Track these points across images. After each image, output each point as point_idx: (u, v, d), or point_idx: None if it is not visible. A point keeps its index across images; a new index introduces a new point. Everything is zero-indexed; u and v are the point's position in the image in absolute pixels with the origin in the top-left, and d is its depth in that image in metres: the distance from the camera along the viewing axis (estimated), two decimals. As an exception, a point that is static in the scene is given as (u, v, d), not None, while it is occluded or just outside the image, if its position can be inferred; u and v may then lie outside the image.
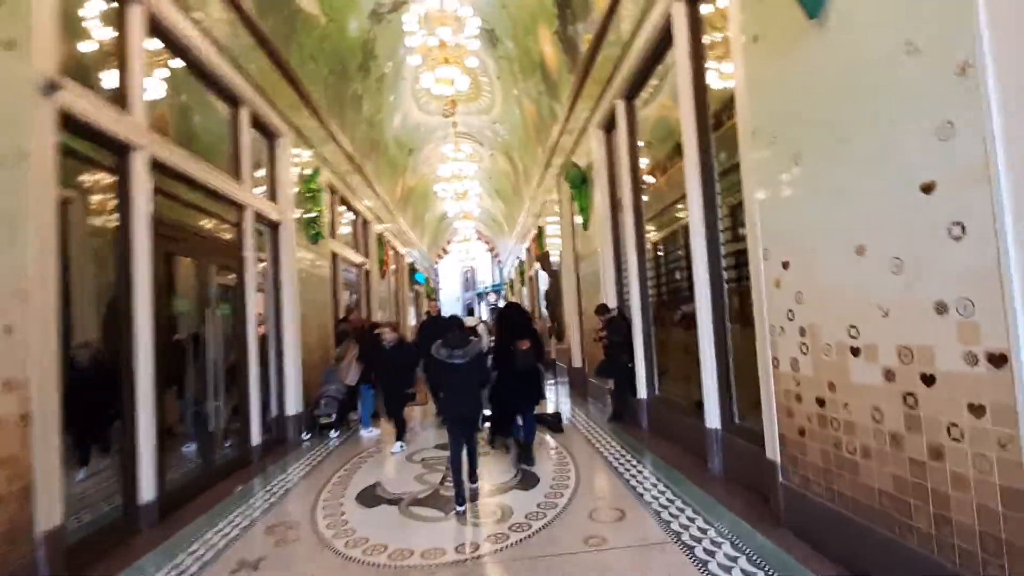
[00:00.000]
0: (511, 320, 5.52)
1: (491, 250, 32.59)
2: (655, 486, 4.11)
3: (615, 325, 6.53)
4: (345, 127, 9.66)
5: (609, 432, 6.08)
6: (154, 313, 4.05)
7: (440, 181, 13.58)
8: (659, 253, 6.03)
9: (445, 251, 30.29)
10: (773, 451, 3.29)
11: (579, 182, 8.01)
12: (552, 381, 10.70)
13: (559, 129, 8.92)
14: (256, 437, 5.76)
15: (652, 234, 6.07)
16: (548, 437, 6.05)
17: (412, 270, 18.58)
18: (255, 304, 5.89)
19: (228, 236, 5.71)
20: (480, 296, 35.29)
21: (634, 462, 4.80)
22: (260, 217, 6.37)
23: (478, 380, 4.36)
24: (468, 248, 22.89)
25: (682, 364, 5.47)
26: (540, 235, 13.45)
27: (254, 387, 5.76)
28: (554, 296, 10.57)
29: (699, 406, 4.83)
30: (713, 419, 4.33)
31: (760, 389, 3.42)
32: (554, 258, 11.01)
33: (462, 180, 13.21)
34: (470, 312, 24.74)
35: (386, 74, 11.11)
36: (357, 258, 11.10)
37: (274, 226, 6.81)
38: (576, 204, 8.22)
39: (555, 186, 10.48)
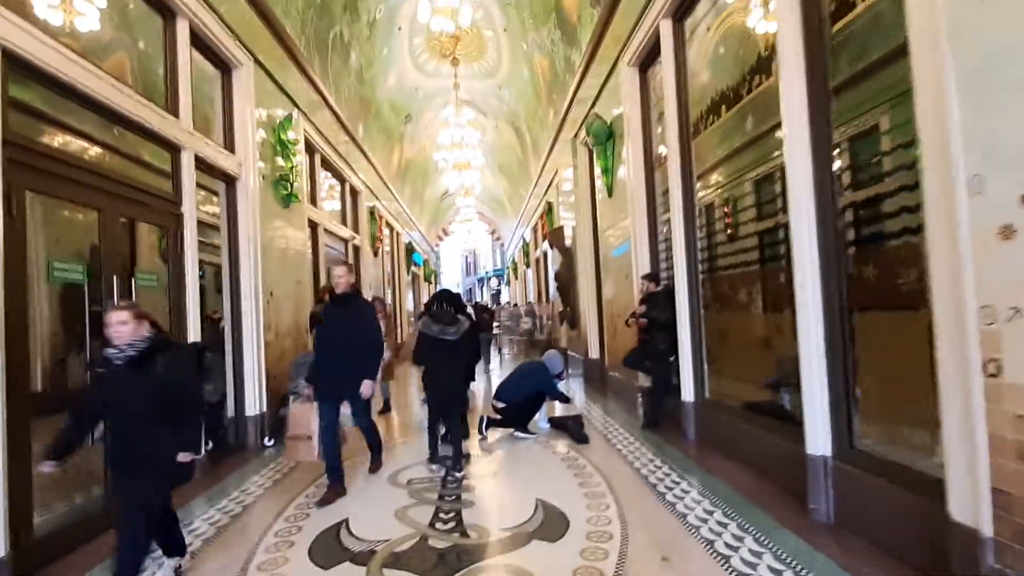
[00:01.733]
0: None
1: (492, 233, 31.24)
2: (739, 539, 2.83)
3: (658, 301, 5.22)
4: (329, 75, 8.26)
5: (646, 443, 4.81)
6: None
7: (440, 149, 12.16)
8: (716, 214, 4.69)
9: (446, 232, 28.93)
10: (973, 512, 2.00)
11: (604, 137, 6.66)
12: (563, 375, 9.43)
13: (578, 77, 7.53)
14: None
15: (708, 192, 4.73)
16: (570, 450, 4.78)
17: (410, 250, 17.23)
18: (196, 275, 4.58)
19: (153, 184, 4.39)
20: (481, 281, 34.01)
21: (694, 494, 3.52)
22: (208, 167, 5.04)
23: (466, 357, 4.59)
24: (469, 229, 21.51)
25: (751, 358, 4.17)
26: (550, 211, 12.10)
27: (195, 383, 4.46)
28: (567, 277, 9.27)
29: (785, 418, 3.54)
30: (819, 441, 3.04)
31: (941, 408, 2.13)
32: (567, 235, 9.68)
33: (463, 148, 11.79)
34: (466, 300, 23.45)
35: (378, 20, 9.66)
36: (344, 232, 9.77)
37: (229, 180, 5.48)
38: (599, 165, 6.87)
39: (570, 150, 9.11)
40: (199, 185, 5.08)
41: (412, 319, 17.37)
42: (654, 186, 5.87)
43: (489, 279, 34.39)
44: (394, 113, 12.97)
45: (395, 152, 14.32)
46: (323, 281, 8.02)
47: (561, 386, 5.71)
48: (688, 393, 4.88)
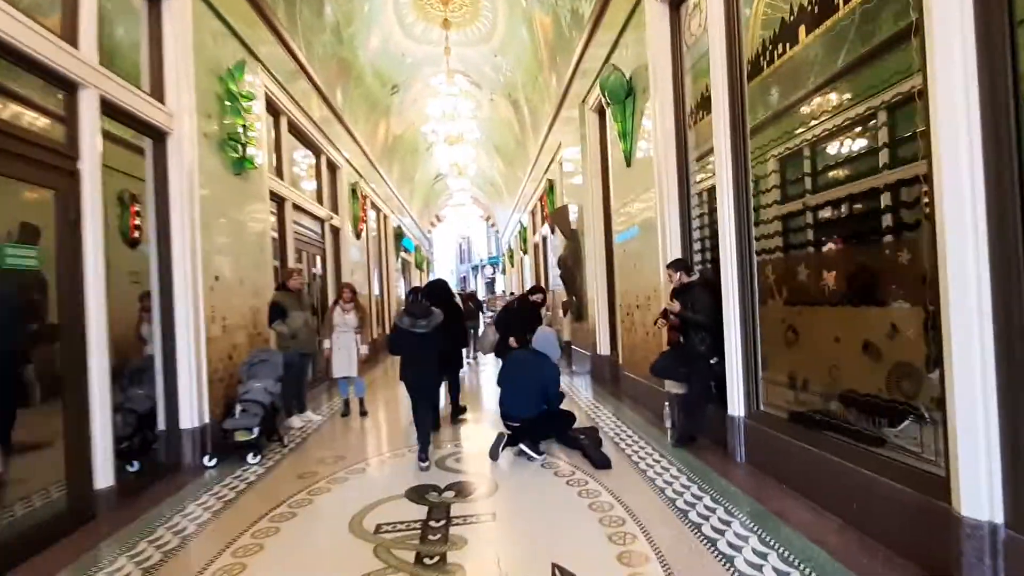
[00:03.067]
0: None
1: (487, 219, 30.10)
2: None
3: (694, 295, 4.18)
4: (297, 26, 7.10)
5: (683, 469, 3.79)
6: None
7: (429, 120, 11.00)
8: (778, 178, 3.63)
9: (438, 219, 27.76)
10: None
11: (622, 94, 5.56)
12: (566, 372, 8.44)
13: (589, 28, 6.42)
14: (103, 475, 3.43)
15: (767, 148, 3.66)
16: (588, 478, 3.76)
17: (399, 236, 16.10)
18: (99, 250, 3.47)
19: (38, 130, 3.28)
20: (475, 268, 32.94)
21: (774, 559, 2.51)
22: (126, 117, 3.93)
23: (437, 349, 4.44)
24: (463, 214, 20.34)
25: (839, 366, 3.15)
26: (551, 190, 11.00)
27: (97, 391, 3.39)
28: (572, 263, 8.21)
29: (893, 446, 2.53)
30: (978, 500, 2.02)
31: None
32: (572, 215, 8.60)
33: (455, 120, 10.64)
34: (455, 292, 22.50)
35: (357, -33, 8.51)
36: (319, 210, 8.64)
37: (157, 136, 4.36)
38: (616, 127, 5.78)
39: (577, 118, 8.00)
40: (113, 139, 3.98)
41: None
42: (686, 151, 4.81)
43: (483, 267, 33.33)
44: (379, 81, 11.77)
45: (381, 126, 13.13)
46: (292, 264, 6.92)
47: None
48: (737, 405, 3.86)
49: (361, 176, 11.09)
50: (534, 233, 15.06)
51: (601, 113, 7.49)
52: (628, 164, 5.81)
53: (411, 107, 14.01)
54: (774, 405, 3.71)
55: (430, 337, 4.33)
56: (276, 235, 6.78)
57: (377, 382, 8.59)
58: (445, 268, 35.97)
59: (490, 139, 17.47)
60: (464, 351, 8.58)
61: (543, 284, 14.21)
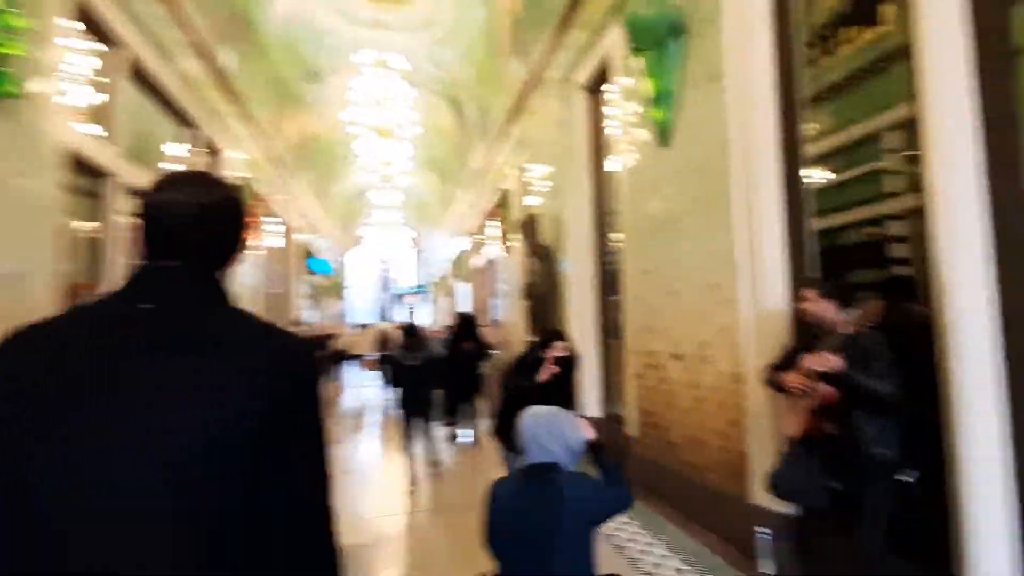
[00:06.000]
0: None
1: (415, 242, 27.62)
2: None
3: (865, 347, 2.20)
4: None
5: None
6: None
7: (349, 106, 8.68)
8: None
9: (358, 241, 24.87)
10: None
11: (662, 30, 3.66)
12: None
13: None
14: None
15: None
16: None
17: (309, 255, 13.27)
18: None
19: None
20: (398, 298, 30.10)
21: None
22: None
23: (430, 380, 4.93)
24: (387, 234, 17.81)
25: None
26: (506, 203, 9.00)
27: None
28: (545, 290, 6.14)
29: None
30: None
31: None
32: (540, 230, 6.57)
33: (384, 106, 8.38)
34: (411, 326, 19.41)
35: None
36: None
37: None
38: (653, 85, 3.84)
39: (556, 101, 6.08)
40: None
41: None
42: (795, 110, 2.94)
43: (408, 296, 30.53)
44: (290, 59, 9.27)
45: (291, 120, 10.54)
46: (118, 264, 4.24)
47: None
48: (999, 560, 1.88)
49: (255, 169, 8.45)
50: (476, 257, 12.93)
51: (593, 90, 5.63)
52: (665, 142, 3.87)
53: (335, 102, 11.57)
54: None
55: (420, 369, 4.73)
56: (74, 217, 4.11)
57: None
58: (365, 297, 32.73)
59: (423, 152, 15.31)
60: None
61: (482, 315, 12.02)
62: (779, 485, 2.44)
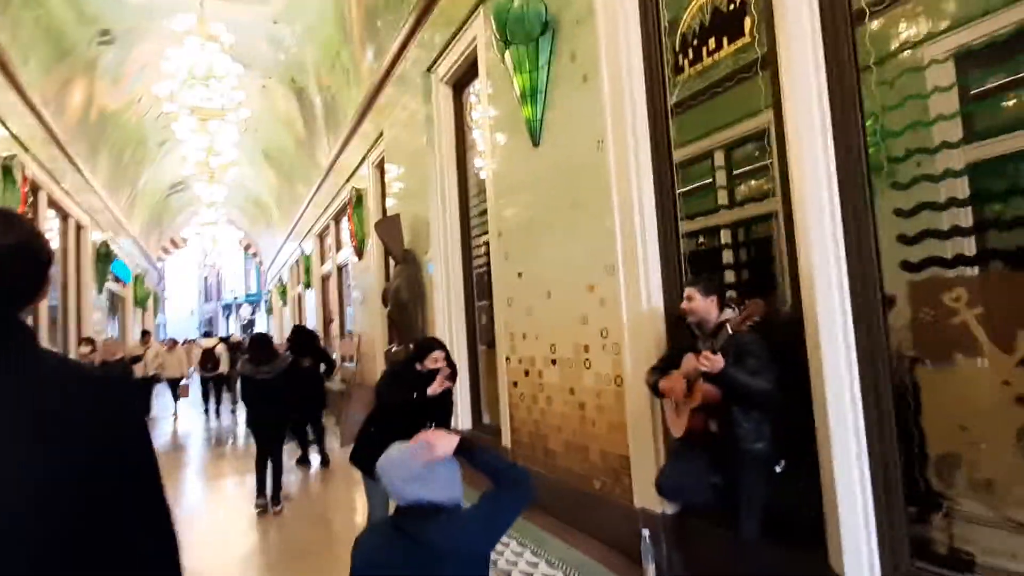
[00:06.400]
0: None
1: (247, 247, 24.74)
2: None
3: (745, 346, 2.24)
4: None
5: None
6: None
7: (165, 79, 7.30)
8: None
9: (175, 244, 21.42)
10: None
11: (536, 27, 3.55)
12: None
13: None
14: None
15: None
16: None
17: (106, 256, 10.92)
18: None
19: None
20: (228, 308, 26.69)
21: None
22: None
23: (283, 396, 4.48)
24: (214, 236, 15.51)
25: None
26: (359, 202, 8.32)
27: None
28: (409, 297, 5.70)
29: None
30: None
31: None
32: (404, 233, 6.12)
33: (211, 83, 7.17)
34: (207, 334, 16.50)
35: None
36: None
37: None
38: (519, 83, 3.70)
39: (419, 96, 5.71)
40: None
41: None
42: (665, 103, 3.00)
43: (239, 306, 27.23)
44: (76, 17, 7.51)
45: (77, 87, 8.50)
46: None
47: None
48: (865, 557, 2.01)
49: (26, 149, 6.66)
50: (323, 262, 11.86)
51: (457, 87, 5.40)
52: (536, 141, 3.77)
53: (137, 75, 9.70)
54: (943, 556, 1.97)
55: (272, 383, 4.33)
56: None
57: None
58: (183, 308, 28.54)
59: (258, 144, 13.68)
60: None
61: (331, 326, 11.06)
62: (665, 485, 2.41)
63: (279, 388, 4.40)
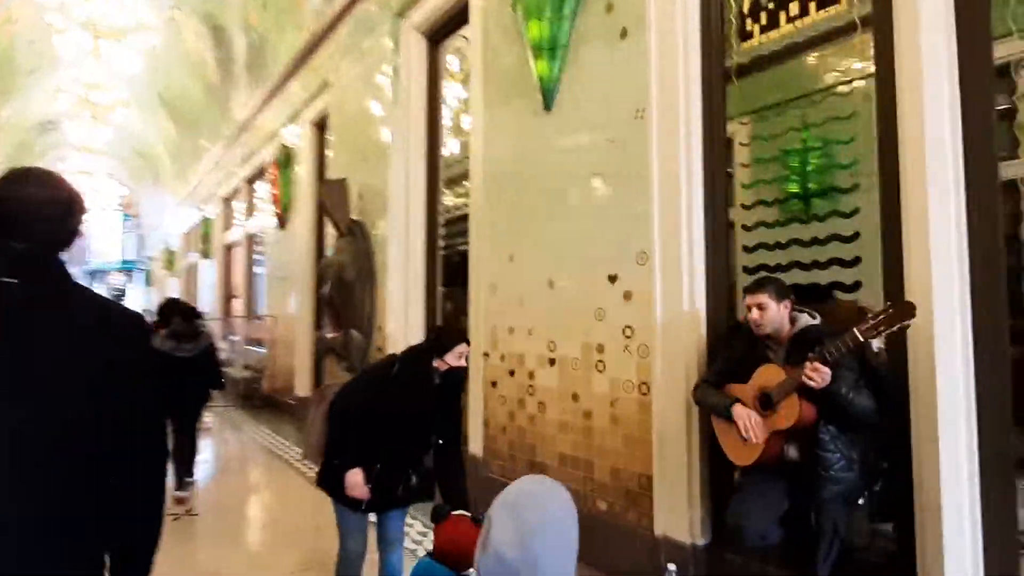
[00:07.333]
0: None
1: (127, 206, 21.53)
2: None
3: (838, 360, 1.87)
4: None
5: None
6: None
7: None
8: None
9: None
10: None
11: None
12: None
13: None
14: None
15: None
16: None
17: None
18: None
19: None
20: (95, 274, 23.15)
21: None
22: None
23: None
24: (89, 186, 13.07)
25: None
26: (287, 163, 7.22)
27: None
28: (353, 275, 4.86)
29: None
30: None
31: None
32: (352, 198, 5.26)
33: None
34: None
35: None
36: None
37: None
38: (532, 35, 3.12)
39: (383, 45, 4.91)
40: None
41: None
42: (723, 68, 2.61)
43: (108, 273, 23.71)
44: None
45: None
46: None
47: None
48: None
49: None
50: (228, 229, 10.36)
51: (434, 39, 4.69)
52: (547, 106, 3.22)
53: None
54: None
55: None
56: None
57: None
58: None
59: (155, 85, 11.72)
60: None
61: (234, 302, 9.68)
62: (749, 529, 1.99)
63: (200, 368, 3.57)
